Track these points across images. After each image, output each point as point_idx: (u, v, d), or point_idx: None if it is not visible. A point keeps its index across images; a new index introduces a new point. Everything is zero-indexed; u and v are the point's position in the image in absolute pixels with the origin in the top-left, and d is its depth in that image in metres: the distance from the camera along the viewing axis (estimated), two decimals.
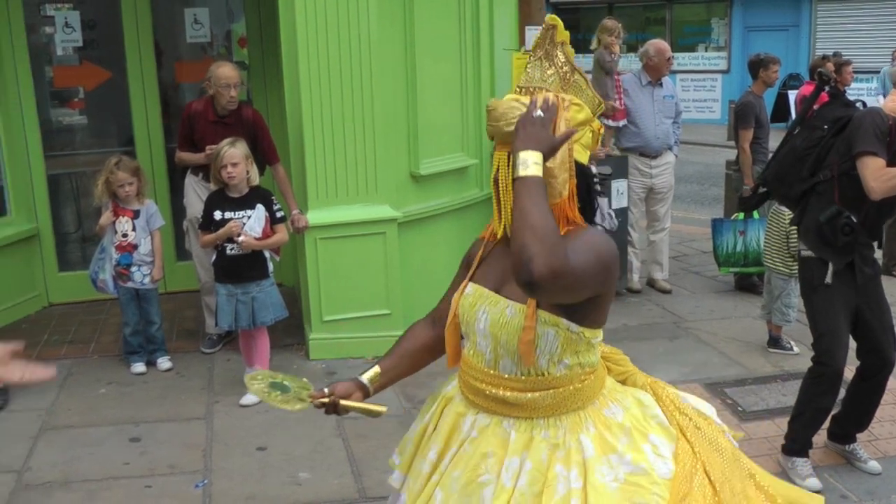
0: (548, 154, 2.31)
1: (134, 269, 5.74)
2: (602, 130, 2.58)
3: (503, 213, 2.43)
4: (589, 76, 2.57)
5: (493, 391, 2.48)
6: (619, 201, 7.32)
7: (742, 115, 7.60)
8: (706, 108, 22.41)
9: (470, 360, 2.55)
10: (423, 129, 6.35)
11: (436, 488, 2.56)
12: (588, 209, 2.51)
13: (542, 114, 2.32)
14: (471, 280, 2.61)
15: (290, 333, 6.32)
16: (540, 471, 2.43)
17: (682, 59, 22.24)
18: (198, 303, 6.51)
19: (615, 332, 6.56)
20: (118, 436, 5.12)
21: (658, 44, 7.67)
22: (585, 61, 16.68)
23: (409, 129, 6.31)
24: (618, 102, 7.61)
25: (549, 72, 2.49)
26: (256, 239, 5.35)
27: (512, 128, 2.37)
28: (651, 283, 7.80)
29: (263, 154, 5.94)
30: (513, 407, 2.48)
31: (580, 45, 23.28)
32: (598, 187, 2.58)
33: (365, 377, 2.67)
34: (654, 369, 5.85)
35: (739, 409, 5.34)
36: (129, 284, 5.79)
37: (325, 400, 2.60)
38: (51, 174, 7.38)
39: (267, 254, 5.49)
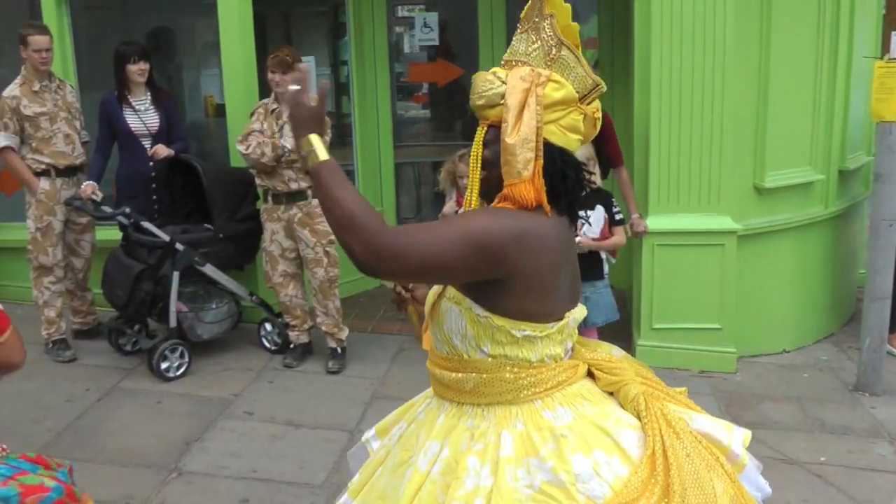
0: (318, 129, 2.20)
1: None
2: (598, 114, 2.33)
3: (472, 191, 2.32)
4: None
5: (431, 367, 2.43)
6: None
7: None
8: None
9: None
10: (771, 140, 6.07)
11: (380, 466, 2.52)
12: (561, 198, 2.32)
13: (296, 87, 2.18)
14: None
15: (619, 337, 6.16)
16: (455, 460, 2.31)
17: None
18: None
19: None
20: None
21: None
22: None
23: (757, 139, 6.06)
24: None
25: (534, 45, 2.31)
26: (594, 239, 5.34)
27: (483, 101, 2.29)
28: None
29: (608, 156, 5.90)
30: (446, 388, 2.41)
31: None
32: (585, 176, 2.37)
33: None
34: None
35: None
36: None
37: (402, 292, 2.67)
38: (396, 162, 7.78)
39: (603, 255, 5.47)
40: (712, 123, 5.71)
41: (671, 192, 5.80)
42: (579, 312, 2.46)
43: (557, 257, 2.31)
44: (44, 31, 6.15)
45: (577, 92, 2.32)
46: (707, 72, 5.64)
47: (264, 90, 6.21)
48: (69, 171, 6.31)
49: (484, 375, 2.33)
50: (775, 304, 6.29)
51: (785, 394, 5.63)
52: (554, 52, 2.31)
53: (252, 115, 5.94)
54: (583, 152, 5.32)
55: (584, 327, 5.44)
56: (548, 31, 2.32)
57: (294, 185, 5.80)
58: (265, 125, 5.82)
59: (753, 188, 6.11)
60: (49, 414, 5.43)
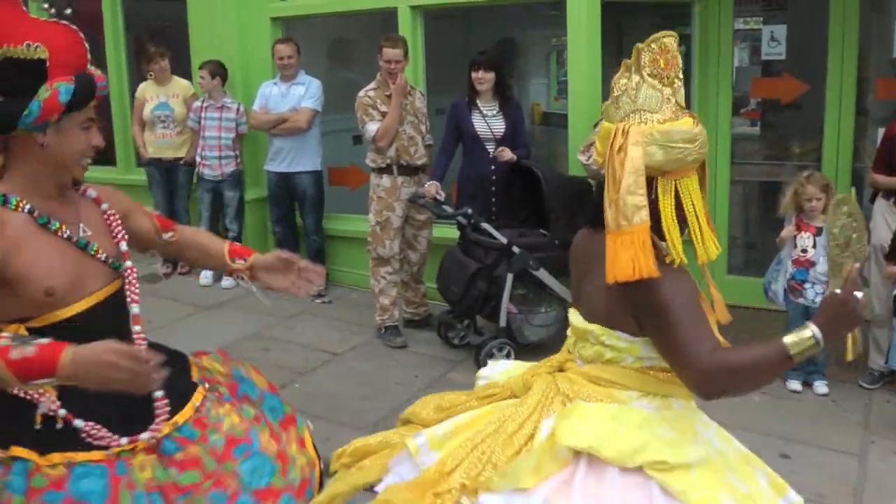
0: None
1: (808, 286, 5.68)
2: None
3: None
4: None
5: None
6: None
7: None
8: None
9: None
10: None
11: None
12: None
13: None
14: None
15: None
16: None
17: None
18: (863, 333, 6.23)
19: None
20: (768, 447, 5.06)
21: None
22: None
23: None
24: None
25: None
26: None
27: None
28: None
29: None
30: None
31: None
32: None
33: None
34: None
35: None
36: (801, 301, 5.72)
37: None
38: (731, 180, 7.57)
39: None
40: None
41: None
42: (575, 317, 2.72)
43: (575, 265, 2.79)
44: (396, 44, 6.57)
45: None
46: None
47: None
48: (410, 170, 6.72)
49: None
50: None
51: None
52: None
53: (595, 126, 6.03)
54: None
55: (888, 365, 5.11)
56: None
57: None
58: None
59: None
60: (379, 394, 5.80)
